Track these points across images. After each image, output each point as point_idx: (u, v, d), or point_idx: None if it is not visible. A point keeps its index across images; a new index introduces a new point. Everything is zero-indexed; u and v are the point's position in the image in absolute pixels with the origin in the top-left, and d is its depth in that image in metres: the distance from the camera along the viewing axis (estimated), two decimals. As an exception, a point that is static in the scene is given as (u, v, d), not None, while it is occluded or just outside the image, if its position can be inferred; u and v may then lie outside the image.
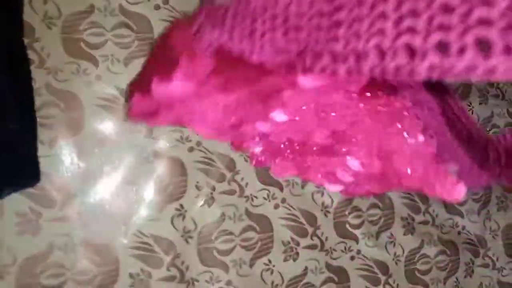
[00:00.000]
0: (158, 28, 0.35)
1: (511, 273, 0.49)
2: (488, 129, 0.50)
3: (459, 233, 0.48)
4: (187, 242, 0.35)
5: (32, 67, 0.31)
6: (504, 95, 0.52)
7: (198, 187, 0.36)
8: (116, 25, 0.34)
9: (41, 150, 0.31)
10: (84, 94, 0.33)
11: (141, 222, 0.34)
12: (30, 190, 0.31)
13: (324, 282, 0.40)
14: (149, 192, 0.35)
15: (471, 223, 0.48)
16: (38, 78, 0.31)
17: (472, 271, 0.47)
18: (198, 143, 0.36)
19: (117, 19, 0.34)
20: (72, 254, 0.32)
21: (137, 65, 0.34)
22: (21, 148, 0.30)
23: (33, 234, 0.31)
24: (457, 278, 0.46)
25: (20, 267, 0.31)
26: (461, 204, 0.48)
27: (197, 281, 0.36)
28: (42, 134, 0.31)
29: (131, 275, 0.34)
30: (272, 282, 0.38)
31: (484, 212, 0.49)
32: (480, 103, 0.50)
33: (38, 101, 0.31)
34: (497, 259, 0.49)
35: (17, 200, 0.31)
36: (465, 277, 0.47)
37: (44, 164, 0.31)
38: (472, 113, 0.49)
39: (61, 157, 0.32)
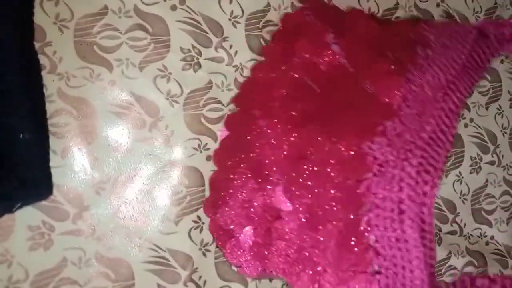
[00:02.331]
0: (175, 29, 0.33)
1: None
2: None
3: (487, 243, 0.46)
4: (204, 255, 0.34)
5: (43, 73, 0.29)
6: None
7: (216, 198, 0.34)
8: (131, 27, 0.32)
9: (53, 161, 0.30)
10: (98, 101, 0.31)
11: (157, 235, 0.32)
12: (42, 202, 0.29)
13: None
14: (165, 203, 0.33)
15: (500, 232, 0.46)
16: (50, 84, 0.30)
17: (501, 283, 0.45)
18: (217, 151, 0.34)
19: (132, 21, 0.32)
20: (86, 269, 0.31)
21: (153, 69, 0.32)
22: (33, 158, 0.28)
23: (46, 248, 0.30)
24: (485, 291, 0.44)
25: (32, 283, 0.29)
26: (490, 213, 0.46)
27: (215, 296, 0.34)
28: (54, 144, 0.30)
29: (147, 291, 0.32)
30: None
31: (513, 221, 0.47)
32: (510, 107, 0.48)
33: (49, 109, 0.30)
34: (527, 271, 0.47)
35: (28, 214, 0.29)
36: (493, 289, 0.44)
37: (56, 175, 0.30)
38: (502, 117, 0.47)
39: (74, 168, 0.31)
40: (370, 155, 0.27)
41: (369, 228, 0.27)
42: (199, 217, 0.34)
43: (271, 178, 0.31)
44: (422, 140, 0.27)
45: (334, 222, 0.28)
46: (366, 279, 0.27)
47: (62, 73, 0.30)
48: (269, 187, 0.31)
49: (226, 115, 0.34)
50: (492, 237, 0.46)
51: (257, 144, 0.32)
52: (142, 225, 0.32)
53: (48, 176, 0.29)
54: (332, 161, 0.28)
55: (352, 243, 0.27)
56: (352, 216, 0.27)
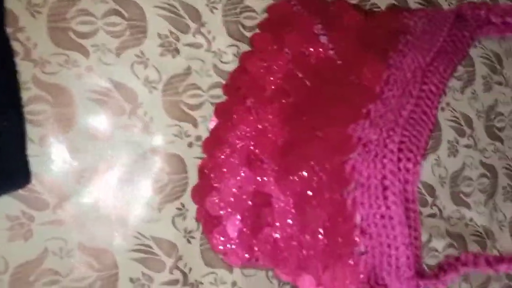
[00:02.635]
0: (151, 15, 0.33)
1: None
2: (493, 117, 0.49)
3: (466, 225, 0.47)
4: (189, 242, 0.34)
5: (17, 59, 0.29)
6: (508, 82, 0.51)
7: (199, 184, 0.34)
8: (106, 13, 0.31)
9: (31, 149, 0.29)
10: (75, 88, 0.30)
11: (140, 223, 0.32)
12: (20, 192, 0.29)
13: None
14: (148, 191, 0.33)
15: (478, 214, 0.47)
16: (24, 71, 0.29)
17: (481, 263, 0.46)
18: (198, 138, 0.34)
19: (108, 6, 0.31)
20: (67, 259, 0.30)
21: (130, 55, 0.32)
22: (9, 147, 0.27)
23: (26, 239, 0.29)
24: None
25: (13, 275, 0.29)
26: (468, 195, 0.47)
27: (202, 283, 0.34)
28: (31, 132, 0.29)
29: (131, 280, 0.32)
30: (279, 283, 0.36)
31: (490, 202, 0.48)
32: (484, 91, 0.49)
33: (25, 96, 0.29)
34: (505, 251, 0.48)
35: (7, 203, 0.28)
36: (473, 269, 0.45)
37: (34, 164, 0.29)
38: (476, 101, 0.48)
39: (52, 156, 0.30)
40: (354, 136, 0.28)
41: (355, 207, 0.27)
42: (182, 204, 0.33)
43: (263, 166, 0.31)
44: (403, 119, 0.28)
45: (322, 205, 0.28)
46: (353, 260, 0.27)
47: (36, 59, 0.29)
48: (261, 176, 0.31)
49: (216, 103, 0.34)
50: (471, 219, 0.47)
51: (248, 135, 0.32)
52: (125, 213, 0.32)
53: (25, 164, 0.28)
54: (320, 149, 0.29)
55: (340, 224, 0.28)
56: (338, 197, 0.28)
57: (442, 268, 0.26)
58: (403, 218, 0.26)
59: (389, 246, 0.27)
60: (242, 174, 0.32)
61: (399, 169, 0.27)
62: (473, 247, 0.46)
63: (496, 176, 0.48)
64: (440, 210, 0.45)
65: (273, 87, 0.32)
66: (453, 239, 0.45)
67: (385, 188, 0.26)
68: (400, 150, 0.27)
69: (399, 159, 0.27)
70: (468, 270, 0.25)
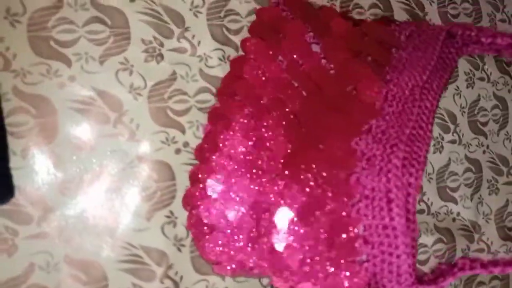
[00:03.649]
0: (134, 21, 0.32)
1: (506, 256, 0.49)
2: (476, 112, 0.50)
3: (454, 220, 0.47)
4: (179, 250, 0.33)
5: (-4, 70, 0.28)
6: (489, 78, 0.51)
7: (188, 191, 0.34)
8: (88, 20, 0.31)
9: (13, 162, 0.28)
10: (57, 97, 0.30)
11: (128, 233, 0.32)
12: (2, 206, 0.28)
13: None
14: (135, 199, 0.32)
15: (465, 208, 0.48)
16: (4, 82, 0.28)
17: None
18: (185, 144, 0.34)
19: (89, 14, 0.31)
20: (55, 274, 0.29)
21: (114, 62, 0.31)
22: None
23: (9, 254, 0.28)
24: (454, 265, 0.46)
25: (-3, 292, 0.28)
26: (454, 190, 0.48)
27: (193, 291, 0.34)
28: (13, 144, 0.28)
29: (121, 291, 0.31)
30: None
31: (476, 196, 0.49)
32: (467, 87, 0.50)
33: (5, 108, 0.28)
34: (492, 243, 0.49)
35: (-12, 219, 0.28)
36: (462, 263, 0.46)
37: (17, 177, 0.28)
38: (460, 97, 0.49)
39: (35, 168, 0.29)
40: (358, 150, 0.30)
41: (358, 218, 0.29)
42: (171, 212, 0.33)
43: (263, 175, 0.31)
44: (405, 136, 0.29)
45: (325, 215, 0.29)
46: (355, 268, 0.28)
47: (17, 69, 0.29)
48: (260, 185, 0.31)
49: (210, 107, 0.34)
50: (458, 214, 0.47)
51: (247, 143, 0.32)
52: (112, 223, 0.31)
53: (8, 177, 0.27)
54: (323, 161, 0.30)
55: (343, 234, 0.29)
56: (342, 208, 0.29)
57: (441, 274, 0.27)
58: (405, 227, 0.27)
59: (390, 254, 0.28)
60: (239, 181, 0.31)
61: (403, 183, 0.28)
62: (461, 241, 0.47)
63: (481, 170, 0.49)
64: (428, 206, 0.46)
65: (270, 96, 0.33)
66: (442, 234, 0.46)
67: (389, 201, 0.28)
68: (403, 165, 0.28)
69: (403, 174, 0.28)
70: (464, 274, 0.26)
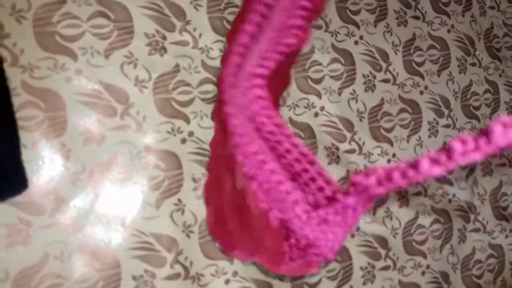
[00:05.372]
0: (137, 15, 0.33)
1: (500, 235, 0.51)
2: (468, 97, 0.51)
3: (450, 201, 0.49)
4: (188, 237, 0.34)
5: (5, 66, 0.28)
6: (481, 63, 0.53)
7: (194, 180, 0.35)
8: (92, 15, 0.31)
9: (24, 155, 0.29)
10: (65, 91, 0.30)
11: (139, 221, 0.32)
12: (16, 199, 0.29)
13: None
14: (144, 189, 0.33)
15: (460, 190, 0.49)
16: (13, 77, 0.29)
17: (465, 237, 0.48)
18: (190, 134, 0.35)
19: (93, 8, 0.31)
20: (69, 262, 0.30)
21: (118, 56, 0.32)
22: (4, 154, 0.27)
23: (25, 245, 0.29)
24: (451, 245, 0.47)
25: (14, 282, 0.29)
26: (450, 172, 0.49)
27: (203, 275, 0.34)
28: (24, 137, 0.29)
29: (134, 278, 0.32)
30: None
31: (471, 178, 0.50)
32: (459, 73, 0.51)
33: (15, 102, 0.29)
34: (487, 223, 0.50)
35: (3, 211, 0.28)
36: (459, 243, 0.48)
37: (29, 170, 0.29)
38: (453, 83, 0.50)
39: (46, 160, 0.30)
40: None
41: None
42: (179, 200, 0.34)
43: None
44: None
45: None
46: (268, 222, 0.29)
47: (25, 65, 0.29)
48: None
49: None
50: (454, 195, 0.49)
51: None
52: (123, 213, 0.32)
53: (21, 170, 0.28)
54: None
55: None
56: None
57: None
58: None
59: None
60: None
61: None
62: (457, 221, 0.48)
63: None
64: (425, 188, 0.47)
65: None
66: (439, 215, 0.47)
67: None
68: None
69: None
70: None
